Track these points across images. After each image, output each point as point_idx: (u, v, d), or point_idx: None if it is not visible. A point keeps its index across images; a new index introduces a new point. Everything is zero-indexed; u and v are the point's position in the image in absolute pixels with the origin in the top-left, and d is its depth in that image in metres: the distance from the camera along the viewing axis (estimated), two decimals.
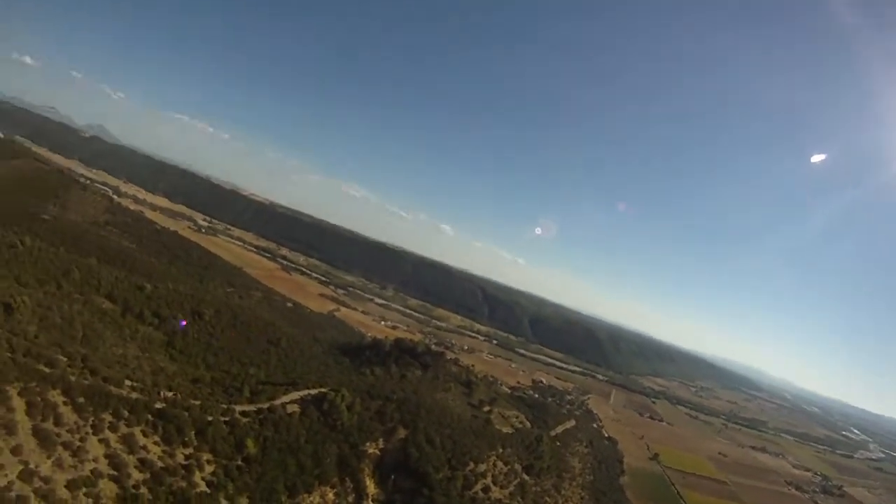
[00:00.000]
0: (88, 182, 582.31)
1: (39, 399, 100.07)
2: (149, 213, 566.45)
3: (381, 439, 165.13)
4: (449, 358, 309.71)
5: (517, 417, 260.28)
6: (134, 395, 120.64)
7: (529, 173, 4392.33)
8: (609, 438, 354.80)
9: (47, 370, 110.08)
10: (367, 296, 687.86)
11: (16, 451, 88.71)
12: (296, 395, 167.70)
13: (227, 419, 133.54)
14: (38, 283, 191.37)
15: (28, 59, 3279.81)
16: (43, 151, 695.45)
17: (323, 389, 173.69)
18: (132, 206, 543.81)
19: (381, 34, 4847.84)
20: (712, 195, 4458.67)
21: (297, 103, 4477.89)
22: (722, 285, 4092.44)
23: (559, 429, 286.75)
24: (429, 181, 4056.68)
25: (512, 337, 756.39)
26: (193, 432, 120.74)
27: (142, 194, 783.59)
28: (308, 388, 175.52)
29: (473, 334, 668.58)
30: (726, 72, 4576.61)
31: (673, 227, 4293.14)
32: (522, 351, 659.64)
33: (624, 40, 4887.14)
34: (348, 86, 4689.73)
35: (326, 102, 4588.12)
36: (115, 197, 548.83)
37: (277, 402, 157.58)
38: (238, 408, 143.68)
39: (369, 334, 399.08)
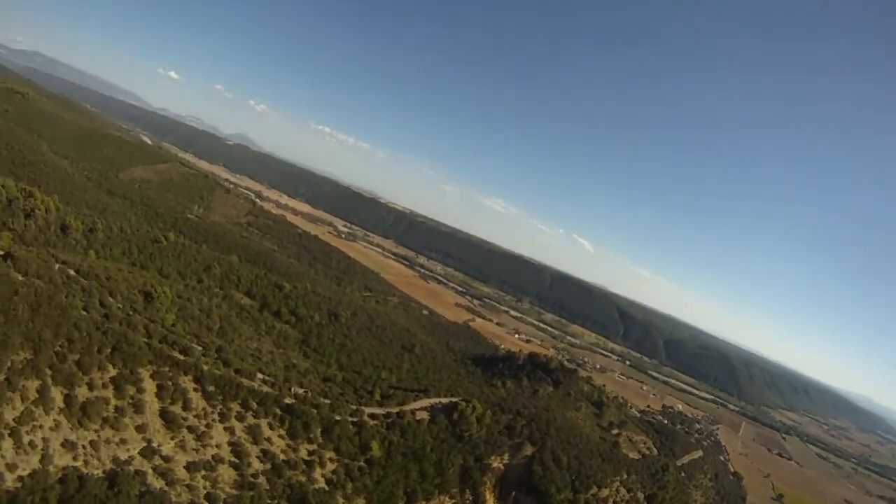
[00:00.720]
0: (232, 186, 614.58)
1: (170, 383, 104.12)
2: (290, 217, 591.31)
3: (506, 454, 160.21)
4: (581, 376, 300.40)
5: (645, 443, 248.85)
6: (264, 389, 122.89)
7: (679, 196, 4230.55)
8: (734, 474, 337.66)
9: (181, 357, 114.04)
10: (502, 307, 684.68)
11: (140, 429, 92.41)
12: (426, 402, 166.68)
13: (354, 420, 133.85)
14: (179, 276, 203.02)
15: (173, 74, 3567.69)
16: (189, 157, 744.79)
17: (454, 399, 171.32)
18: (274, 210, 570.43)
19: (528, 55, 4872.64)
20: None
21: (438, 117, 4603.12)
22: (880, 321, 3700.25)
23: (685, 458, 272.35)
24: (570, 196, 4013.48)
25: (645, 358, 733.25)
26: (320, 430, 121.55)
27: (284, 199, 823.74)
28: (439, 397, 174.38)
29: (606, 353, 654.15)
30: None
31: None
32: (654, 373, 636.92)
33: None
34: (493, 100, 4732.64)
35: (469, 116, 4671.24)
36: (257, 200, 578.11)
37: (407, 407, 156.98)
38: (367, 409, 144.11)
39: (503, 346, 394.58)
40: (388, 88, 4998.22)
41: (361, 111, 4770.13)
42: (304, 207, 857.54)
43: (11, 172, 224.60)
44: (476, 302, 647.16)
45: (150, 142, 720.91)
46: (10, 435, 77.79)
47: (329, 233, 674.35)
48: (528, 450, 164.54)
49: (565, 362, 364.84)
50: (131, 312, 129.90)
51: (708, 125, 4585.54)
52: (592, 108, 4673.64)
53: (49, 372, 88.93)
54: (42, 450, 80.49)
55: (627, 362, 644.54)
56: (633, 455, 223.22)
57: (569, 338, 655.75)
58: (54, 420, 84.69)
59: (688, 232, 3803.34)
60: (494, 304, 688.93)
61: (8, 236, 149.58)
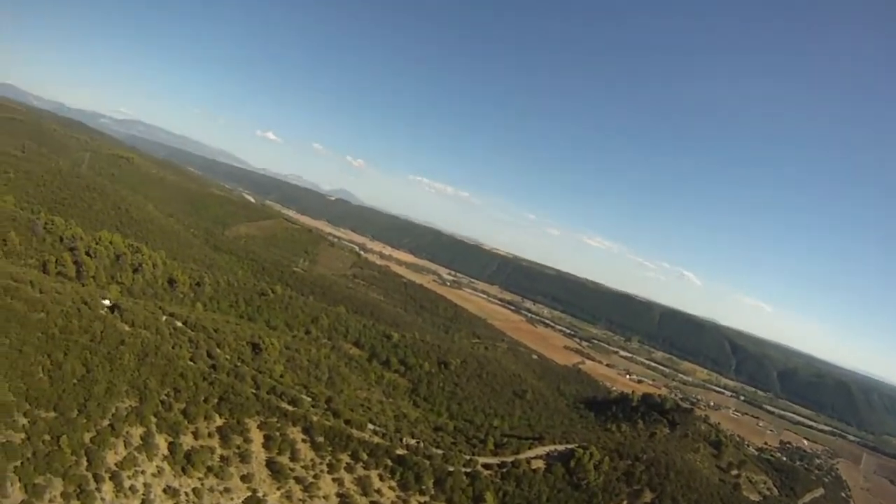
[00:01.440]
0: (336, 239, 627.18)
1: (278, 434, 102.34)
2: (394, 268, 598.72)
3: (625, 502, 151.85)
4: (697, 415, 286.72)
5: (765, 483, 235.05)
6: (375, 440, 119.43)
7: (779, 220, 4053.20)
8: None
9: (290, 408, 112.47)
10: (611, 348, 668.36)
11: (246, 478, 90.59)
12: (541, 450, 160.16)
13: (468, 470, 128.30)
14: (287, 328, 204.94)
15: (271, 135, 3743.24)
16: (292, 213, 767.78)
17: (570, 445, 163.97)
18: (378, 261, 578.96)
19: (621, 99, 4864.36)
20: None
21: (533, 161, 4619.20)
22: None
23: (807, 497, 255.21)
24: (673, 229, 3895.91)
25: (759, 392, 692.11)
26: (432, 481, 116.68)
27: (387, 250, 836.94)
28: (554, 444, 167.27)
29: (719, 389, 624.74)
30: None
31: None
32: (770, 407, 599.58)
33: None
34: (586, 141, 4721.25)
35: (561, 158, 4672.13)
36: (361, 252, 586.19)
37: (522, 456, 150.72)
38: (481, 459, 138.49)
39: (615, 388, 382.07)
40: (482, 136, 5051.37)
41: (456, 159, 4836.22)
42: (408, 257, 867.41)
43: (119, 230, 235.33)
44: (585, 343, 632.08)
45: (253, 200, 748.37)
46: (111, 478, 78.10)
47: (434, 281, 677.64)
48: (648, 496, 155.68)
49: (679, 402, 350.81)
50: (239, 364, 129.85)
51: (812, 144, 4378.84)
52: (685, 143, 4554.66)
53: (154, 420, 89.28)
54: (143, 494, 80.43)
55: (742, 398, 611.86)
56: (754, 497, 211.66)
57: (680, 375, 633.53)
58: (157, 466, 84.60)
59: (789, 250, 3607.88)
60: (603, 344, 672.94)
61: (116, 289, 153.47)
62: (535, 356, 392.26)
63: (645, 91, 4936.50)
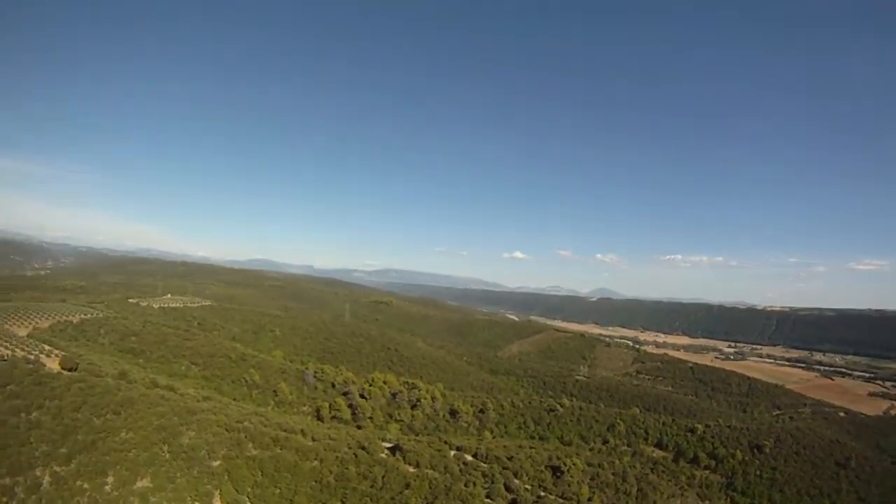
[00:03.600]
0: (609, 339, 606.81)
1: None
2: (672, 353, 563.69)
3: None
4: None
5: None
6: None
7: None
8: None
9: None
10: None
11: None
12: None
13: None
14: (582, 441, 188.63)
15: (519, 254, 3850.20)
16: (558, 323, 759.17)
17: None
18: (655, 351, 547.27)
19: None
20: None
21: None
22: None
23: None
24: None
25: None
26: None
27: (660, 337, 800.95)
28: None
29: None
30: None
31: None
32: None
33: None
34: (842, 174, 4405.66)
35: (819, 195, 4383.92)
36: (637, 346, 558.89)
37: None
38: None
39: None
40: (733, 200, 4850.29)
41: (701, 230, 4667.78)
42: (683, 339, 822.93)
43: (390, 369, 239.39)
44: (889, 384, 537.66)
45: (517, 319, 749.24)
46: None
47: (716, 358, 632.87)
48: None
49: None
50: (542, 493, 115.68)
51: None
52: None
53: None
54: None
55: None
56: None
57: None
58: None
59: None
60: None
61: (396, 427, 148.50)
62: (842, 413, 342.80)
63: None
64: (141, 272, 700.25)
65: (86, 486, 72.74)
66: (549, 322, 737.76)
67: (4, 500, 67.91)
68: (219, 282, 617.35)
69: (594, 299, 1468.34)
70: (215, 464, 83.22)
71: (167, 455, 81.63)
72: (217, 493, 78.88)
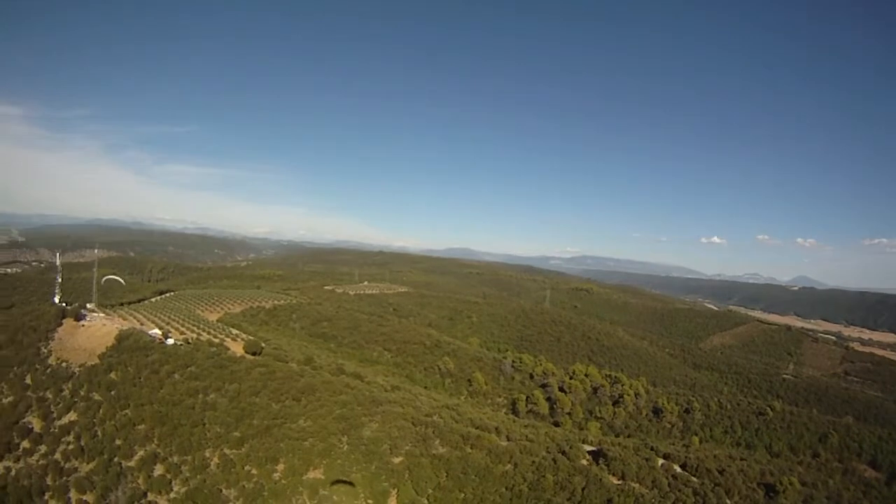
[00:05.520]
0: (816, 333, 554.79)
1: None
2: (879, 353, 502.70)
3: None
4: None
5: None
6: None
7: None
8: None
9: None
10: None
11: None
12: None
13: None
14: (791, 452, 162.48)
15: (716, 239, 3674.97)
16: (758, 314, 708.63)
17: None
18: (860, 349, 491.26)
19: None
20: None
21: None
22: None
23: None
24: None
25: None
26: None
27: (865, 334, 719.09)
28: None
29: None
30: None
31: None
32: None
33: None
34: None
35: None
36: (849, 344, 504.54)
37: None
38: None
39: None
40: None
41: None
42: (890, 337, 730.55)
43: (591, 360, 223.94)
44: None
45: (715, 308, 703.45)
46: None
47: None
48: None
49: None
50: None
51: None
52: None
53: None
54: None
55: None
56: None
57: None
58: None
59: None
60: None
61: (596, 426, 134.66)
62: None
63: None
64: (338, 261, 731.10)
65: (254, 471, 68.88)
66: (748, 313, 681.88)
67: (169, 476, 68.33)
68: (416, 269, 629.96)
69: (795, 288, 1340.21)
70: (396, 460, 74.28)
71: (345, 447, 74.36)
72: (394, 492, 69.52)
